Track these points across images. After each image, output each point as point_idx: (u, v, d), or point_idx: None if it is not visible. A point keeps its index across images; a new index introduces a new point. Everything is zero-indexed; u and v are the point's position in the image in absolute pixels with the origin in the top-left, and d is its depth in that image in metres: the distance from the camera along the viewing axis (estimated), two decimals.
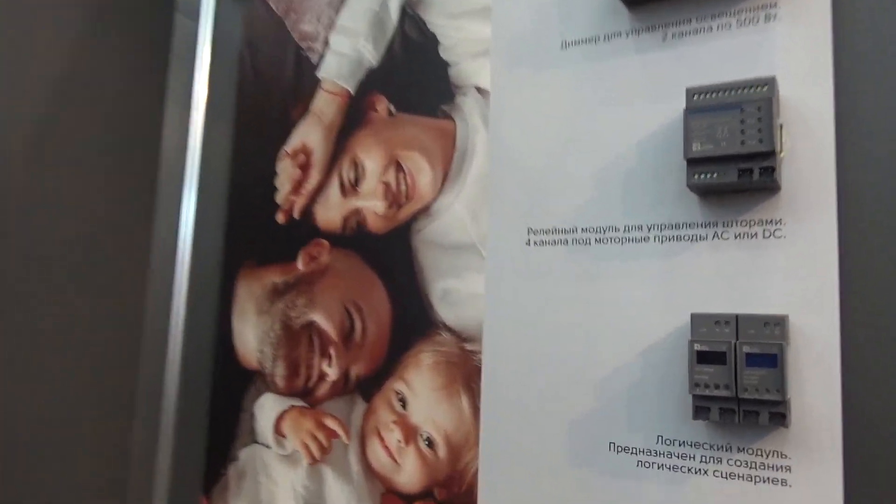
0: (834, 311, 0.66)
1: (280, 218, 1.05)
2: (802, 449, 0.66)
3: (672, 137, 0.76)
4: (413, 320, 0.90)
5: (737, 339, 0.65)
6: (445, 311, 0.87)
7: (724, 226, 0.72)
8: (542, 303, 0.81)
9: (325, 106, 1.02)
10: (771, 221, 0.69)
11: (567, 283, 0.80)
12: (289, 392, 0.99)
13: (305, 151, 1.03)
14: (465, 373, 0.85)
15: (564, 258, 0.81)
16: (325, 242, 0.99)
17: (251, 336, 1.04)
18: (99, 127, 1.11)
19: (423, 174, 0.91)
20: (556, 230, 0.81)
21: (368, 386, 0.93)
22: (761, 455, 0.68)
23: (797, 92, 0.68)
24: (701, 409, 0.66)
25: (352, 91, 1.00)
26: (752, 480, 0.68)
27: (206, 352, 1.10)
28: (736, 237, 0.71)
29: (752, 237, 0.70)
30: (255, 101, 1.12)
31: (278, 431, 1.00)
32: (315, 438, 0.96)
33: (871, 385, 0.65)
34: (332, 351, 0.95)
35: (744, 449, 0.69)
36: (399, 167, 0.93)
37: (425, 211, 0.91)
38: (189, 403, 1.09)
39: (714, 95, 0.67)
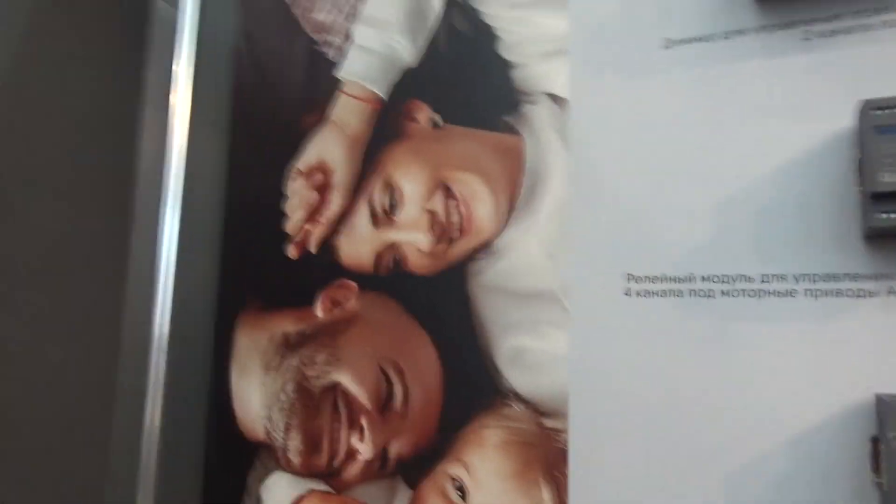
0: None
1: (292, 252, 0.85)
2: None
3: (823, 162, 0.59)
4: (472, 386, 0.71)
5: None
6: (516, 377, 0.69)
7: None
8: (649, 369, 0.64)
9: (347, 114, 0.83)
10: None
11: (684, 345, 0.63)
12: (307, 472, 0.80)
13: (324, 169, 0.84)
14: (545, 457, 0.67)
15: (679, 314, 0.63)
16: (353, 284, 0.80)
17: (256, 399, 0.84)
18: (57, 136, 0.89)
19: (480, 202, 0.73)
20: (665, 278, 0.64)
21: (414, 469, 0.74)
22: None
23: None
24: None
25: (383, 96, 0.82)
26: None
27: (196, 419, 0.89)
28: None
29: None
30: (256, 105, 0.92)
31: None
32: None
33: None
34: (363, 422, 0.76)
35: None
36: (449, 192, 0.75)
37: (485, 248, 0.73)
38: (174, 487, 0.88)
39: None
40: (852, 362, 0.57)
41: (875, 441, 0.53)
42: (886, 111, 0.52)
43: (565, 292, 0.68)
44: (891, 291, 0.56)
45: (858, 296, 0.57)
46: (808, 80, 0.61)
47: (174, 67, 1.01)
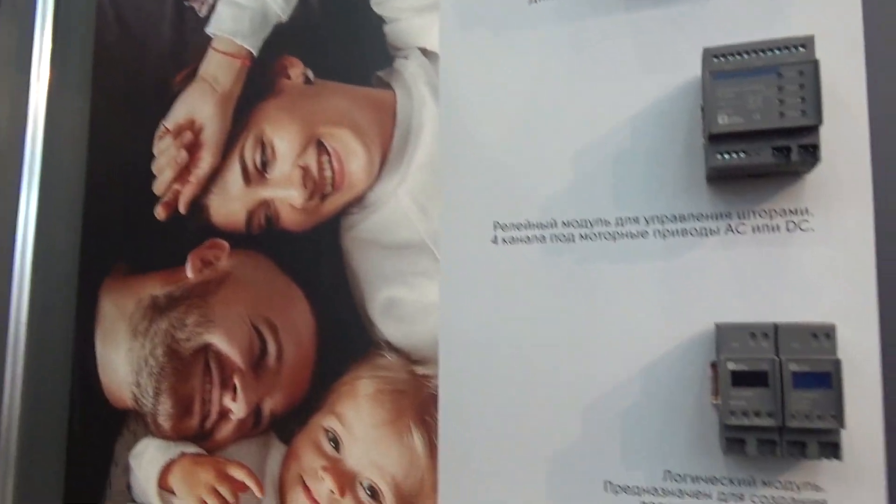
0: (873, 320, 0.56)
1: (160, 213, 0.82)
2: (839, 479, 0.56)
3: (672, 111, 0.63)
4: (346, 340, 0.71)
5: (778, 354, 0.53)
6: (389, 327, 0.70)
7: (739, 217, 0.60)
8: (514, 314, 0.66)
9: (218, 70, 0.81)
10: (795, 211, 0.59)
11: (547, 287, 0.65)
12: (178, 436, 0.77)
13: (193, 128, 0.81)
14: (416, 403, 0.68)
15: (542, 259, 0.66)
16: (224, 243, 0.78)
17: (123, 365, 0.81)
18: None
19: (353, 156, 0.73)
20: (530, 224, 0.66)
21: (288, 424, 0.73)
22: (792, 489, 0.57)
23: (823, 58, 0.58)
24: (734, 441, 0.54)
25: (254, 52, 0.80)
26: None
27: (58, 388, 0.84)
28: (754, 230, 0.60)
29: (773, 230, 0.59)
30: (121, 63, 0.88)
31: (165, 487, 0.77)
32: (217, 494, 0.74)
33: None
34: (236, 381, 0.74)
35: (770, 483, 0.58)
36: (322, 148, 0.74)
37: (358, 202, 0.73)
38: (37, 457, 0.83)
39: (741, 57, 0.55)
40: (696, 296, 0.61)
41: (714, 366, 0.57)
42: (724, 59, 0.56)
43: (436, 242, 0.69)
44: (729, 229, 0.60)
45: (702, 234, 0.61)
46: (661, 32, 0.64)
47: (33, 26, 0.94)
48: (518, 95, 0.68)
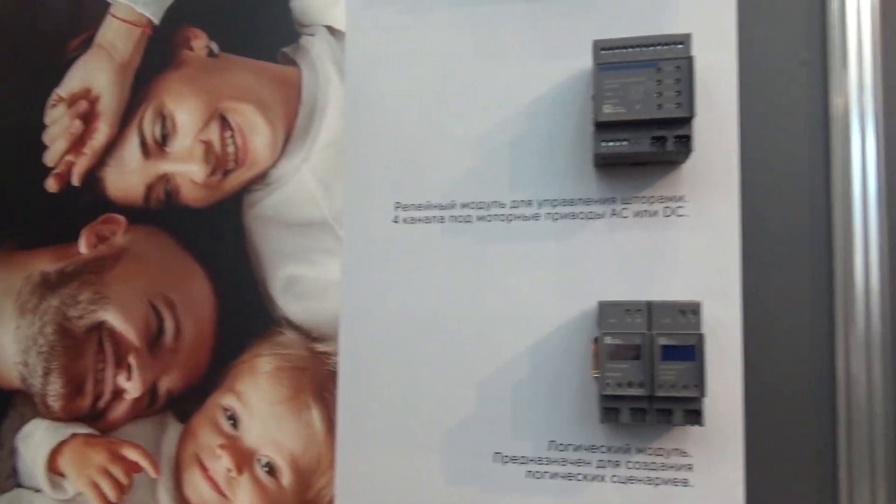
0: (736, 298, 0.61)
1: (52, 185, 0.79)
2: (703, 446, 0.61)
3: (567, 98, 0.66)
4: (246, 317, 0.71)
5: (650, 329, 0.57)
6: (290, 305, 0.70)
7: (622, 202, 0.64)
8: (412, 291, 0.68)
9: (116, 38, 0.78)
10: (672, 198, 0.63)
11: (444, 267, 0.67)
12: (69, 416, 0.75)
13: (89, 97, 0.78)
14: (315, 380, 0.69)
15: (440, 238, 0.68)
16: (121, 218, 0.76)
17: (9, 344, 0.77)
18: None
19: (257, 132, 0.73)
20: (430, 205, 0.68)
21: (185, 403, 0.72)
22: (662, 455, 0.62)
23: (698, 53, 0.62)
24: (610, 410, 0.58)
25: (155, 21, 0.77)
26: (652, 483, 0.62)
27: None
28: (636, 215, 0.64)
29: (652, 215, 0.63)
30: (9, 26, 0.83)
31: (54, 469, 0.75)
32: (108, 475, 0.73)
33: (773, 377, 0.61)
34: (131, 359, 0.73)
35: (643, 449, 0.62)
36: (225, 123, 0.73)
37: (261, 179, 0.72)
38: None
39: (626, 51, 0.58)
40: (583, 275, 0.64)
41: (595, 341, 0.61)
42: (610, 51, 0.59)
43: (338, 221, 0.70)
44: (614, 213, 0.64)
45: (589, 218, 0.65)
46: (558, 21, 0.67)
47: None
48: (422, 77, 0.70)
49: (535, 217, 0.66)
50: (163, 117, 0.75)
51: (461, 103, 0.68)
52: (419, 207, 0.68)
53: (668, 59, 0.57)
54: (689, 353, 0.56)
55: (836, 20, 0.62)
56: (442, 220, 0.68)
